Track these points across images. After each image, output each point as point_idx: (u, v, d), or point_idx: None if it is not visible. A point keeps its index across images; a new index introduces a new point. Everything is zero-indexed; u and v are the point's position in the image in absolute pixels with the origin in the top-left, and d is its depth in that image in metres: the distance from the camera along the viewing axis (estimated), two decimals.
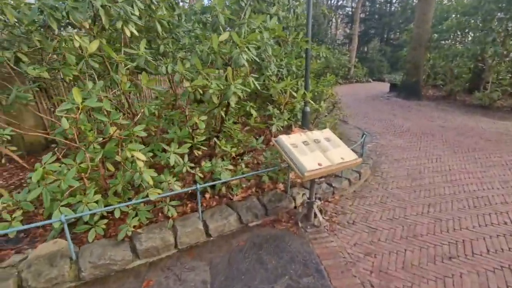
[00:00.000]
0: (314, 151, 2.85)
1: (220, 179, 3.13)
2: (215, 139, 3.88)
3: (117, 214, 2.84)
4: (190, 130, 3.60)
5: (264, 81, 4.89)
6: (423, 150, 5.71)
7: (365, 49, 27.72)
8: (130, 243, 2.67)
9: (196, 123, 3.37)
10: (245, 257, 2.66)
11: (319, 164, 2.69)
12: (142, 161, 2.77)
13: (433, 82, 13.52)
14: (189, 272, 2.49)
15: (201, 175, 3.13)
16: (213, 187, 3.56)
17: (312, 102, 4.18)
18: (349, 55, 20.72)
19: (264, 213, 3.26)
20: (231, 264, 2.57)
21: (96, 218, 2.80)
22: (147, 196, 2.68)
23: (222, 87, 2.98)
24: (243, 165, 3.34)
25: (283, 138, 2.91)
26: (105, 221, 2.86)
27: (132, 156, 2.71)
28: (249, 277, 2.41)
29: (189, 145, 3.56)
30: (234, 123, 4.85)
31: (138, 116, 3.04)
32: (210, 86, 2.99)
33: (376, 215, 3.39)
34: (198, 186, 2.88)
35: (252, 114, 4.15)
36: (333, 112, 7.48)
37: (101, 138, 2.79)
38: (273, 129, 3.65)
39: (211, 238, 2.96)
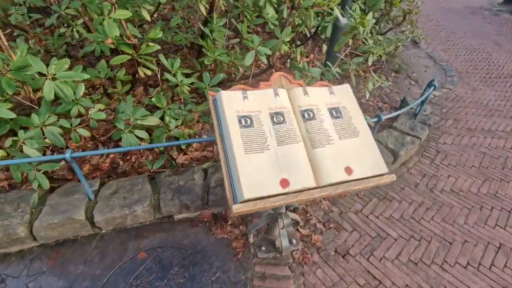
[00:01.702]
0: (287, 142, 1.25)
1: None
2: (161, 55, 2.28)
3: None
4: (129, 30, 2.07)
5: None
6: None
7: None
8: None
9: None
10: None
11: (283, 184, 1.15)
12: None
13: None
14: None
15: (86, 133, 1.77)
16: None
17: (338, 10, 2.10)
18: None
19: (203, 202, 1.99)
20: None
21: None
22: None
23: None
24: (173, 122, 1.83)
25: (226, 97, 1.28)
26: None
27: None
28: None
29: (123, 58, 2.12)
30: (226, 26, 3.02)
31: None
32: None
33: (393, 248, 1.95)
34: (69, 154, 1.58)
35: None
36: (401, 27, 4.97)
37: None
38: (247, 61, 1.83)
39: (103, 231, 1.88)
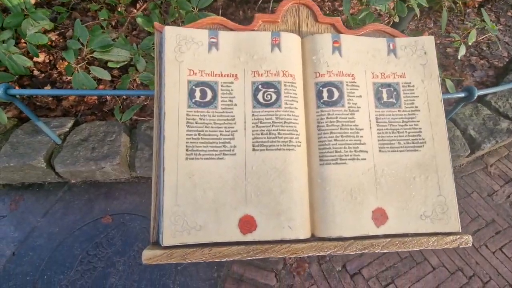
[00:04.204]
0: (272, 146, 0.66)
1: None
2: None
3: None
4: None
5: None
6: None
7: None
8: None
9: None
10: (80, 263, 1.37)
11: (245, 227, 0.63)
12: None
13: None
14: None
15: (27, 62, 1.30)
16: None
17: None
18: None
19: None
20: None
21: None
22: None
23: None
24: (140, 61, 1.25)
25: (174, 40, 0.68)
26: None
27: None
28: None
29: None
30: None
31: None
32: None
33: (426, 281, 1.41)
34: (2, 91, 1.18)
35: None
36: None
37: None
38: None
39: (72, 181, 1.62)
